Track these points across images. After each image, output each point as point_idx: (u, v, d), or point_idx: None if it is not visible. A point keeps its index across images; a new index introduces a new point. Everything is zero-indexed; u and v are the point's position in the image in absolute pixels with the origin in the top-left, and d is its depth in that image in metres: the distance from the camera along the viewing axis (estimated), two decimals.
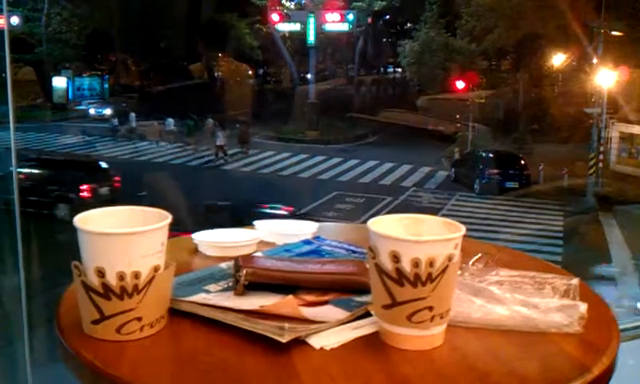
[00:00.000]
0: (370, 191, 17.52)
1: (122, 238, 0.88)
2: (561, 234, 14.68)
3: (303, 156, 21.14)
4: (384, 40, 31.12)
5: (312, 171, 19.76)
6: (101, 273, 0.87)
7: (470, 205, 16.97)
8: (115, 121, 22.31)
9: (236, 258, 1.07)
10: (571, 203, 17.02)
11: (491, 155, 19.23)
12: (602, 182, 18.00)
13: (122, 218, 0.95)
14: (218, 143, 19.63)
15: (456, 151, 21.23)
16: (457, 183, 18.83)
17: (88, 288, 0.88)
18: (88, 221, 0.92)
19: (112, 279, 0.87)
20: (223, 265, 1.14)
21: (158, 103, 24.92)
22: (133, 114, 22.52)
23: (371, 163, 20.53)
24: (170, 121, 22.32)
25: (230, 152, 20.26)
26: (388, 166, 20.19)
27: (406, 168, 20.00)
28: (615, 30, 19.00)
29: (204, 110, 23.16)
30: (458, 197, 17.63)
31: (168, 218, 0.93)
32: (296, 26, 26.04)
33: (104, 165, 16.32)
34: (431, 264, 0.85)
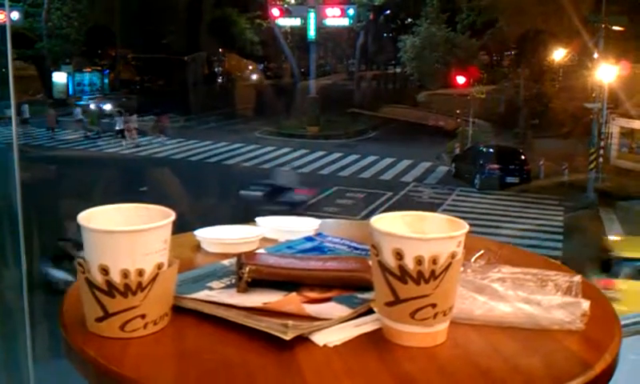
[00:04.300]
0: (370, 186, 17.51)
1: (126, 236, 0.88)
2: (561, 230, 14.67)
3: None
4: (385, 35, 31.07)
5: (313, 166, 19.76)
6: (105, 270, 0.87)
7: (471, 200, 16.97)
8: (9, 112, 22.17)
9: (239, 255, 1.07)
10: (572, 198, 17.01)
11: (492, 150, 19.21)
12: (603, 178, 17.99)
13: (126, 216, 0.95)
14: (117, 128, 21.95)
15: (456, 146, 21.22)
16: (457, 178, 18.82)
17: (92, 285, 0.88)
18: (92, 218, 0.92)
19: (116, 277, 0.87)
20: (226, 262, 1.14)
21: (156, 99, 24.94)
22: (26, 106, 22.47)
23: (371, 158, 20.52)
24: (78, 111, 23.21)
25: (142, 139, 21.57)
26: (388, 161, 20.18)
27: (406, 163, 19.99)
28: (616, 25, 18.97)
29: (200, 105, 23.25)
30: (458, 192, 17.62)
31: (171, 215, 0.93)
32: (296, 21, 26.03)
33: None
34: (434, 261, 0.85)
